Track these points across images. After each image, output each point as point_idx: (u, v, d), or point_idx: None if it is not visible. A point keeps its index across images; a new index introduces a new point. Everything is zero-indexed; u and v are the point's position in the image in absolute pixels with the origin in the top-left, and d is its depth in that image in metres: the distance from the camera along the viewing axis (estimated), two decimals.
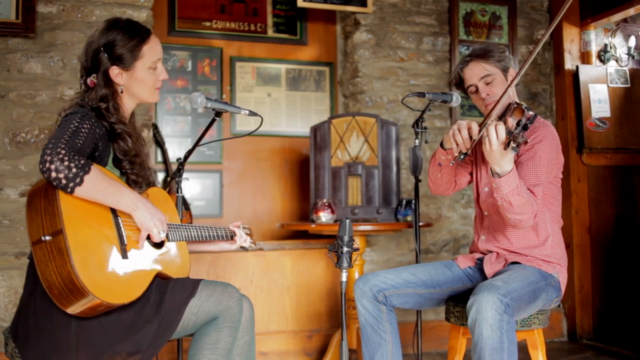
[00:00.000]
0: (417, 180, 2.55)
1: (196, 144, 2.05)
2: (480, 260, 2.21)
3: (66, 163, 1.43)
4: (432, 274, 2.18)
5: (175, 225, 1.82)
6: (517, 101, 1.93)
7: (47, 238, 1.45)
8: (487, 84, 2.14)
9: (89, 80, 1.73)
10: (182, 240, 1.83)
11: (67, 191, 1.46)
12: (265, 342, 3.26)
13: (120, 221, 1.60)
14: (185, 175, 2.12)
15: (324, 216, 2.97)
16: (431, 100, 2.31)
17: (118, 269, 1.54)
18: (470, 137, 1.88)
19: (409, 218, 3.07)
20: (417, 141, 2.46)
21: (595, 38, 3.91)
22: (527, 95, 3.94)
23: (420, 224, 2.87)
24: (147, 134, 3.17)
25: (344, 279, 1.67)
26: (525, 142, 1.74)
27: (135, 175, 1.73)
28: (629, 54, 3.94)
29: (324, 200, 3.01)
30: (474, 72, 2.16)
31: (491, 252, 2.17)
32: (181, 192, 2.10)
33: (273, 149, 3.95)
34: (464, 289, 2.19)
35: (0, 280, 2.83)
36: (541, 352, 2.08)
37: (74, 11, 2.99)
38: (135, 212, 1.57)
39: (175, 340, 2.05)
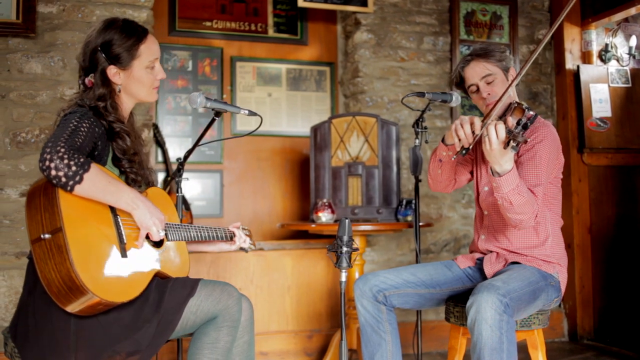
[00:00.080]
0: (418, 180, 2.55)
1: (196, 144, 2.05)
2: (480, 260, 2.20)
3: (66, 161, 1.44)
4: (432, 274, 2.18)
5: (175, 225, 1.82)
6: (518, 101, 1.93)
7: (47, 236, 1.46)
8: (488, 83, 2.14)
9: (87, 80, 1.73)
10: (182, 240, 1.83)
11: (67, 189, 1.46)
12: (265, 342, 3.26)
13: (119, 220, 1.61)
14: (185, 175, 2.12)
15: (324, 216, 2.97)
16: (431, 100, 2.30)
17: (117, 268, 1.54)
18: (473, 133, 1.88)
19: (409, 218, 3.07)
20: (417, 141, 2.46)
21: (596, 38, 3.91)
22: (528, 95, 3.94)
23: (421, 223, 2.87)
24: (147, 134, 3.17)
25: (343, 279, 1.67)
26: (525, 142, 1.74)
27: (135, 174, 1.74)
28: (630, 53, 3.93)
29: (324, 200, 3.01)
30: (475, 72, 2.15)
31: (491, 252, 2.17)
32: (181, 192, 2.11)
33: (274, 149, 3.95)
34: (464, 289, 2.19)
35: (0, 280, 2.83)
36: (541, 352, 2.08)
37: (74, 11, 2.99)
38: (134, 210, 1.57)
39: (175, 340, 2.05)
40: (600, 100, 3.85)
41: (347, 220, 1.66)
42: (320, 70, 4.02)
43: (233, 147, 3.87)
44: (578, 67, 3.86)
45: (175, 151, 3.72)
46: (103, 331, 1.54)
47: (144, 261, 1.64)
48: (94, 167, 1.49)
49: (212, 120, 1.97)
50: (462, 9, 3.83)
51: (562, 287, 2.09)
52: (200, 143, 2.08)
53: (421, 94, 2.30)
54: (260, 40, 3.96)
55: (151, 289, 1.62)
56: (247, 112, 1.95)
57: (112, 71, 1.72)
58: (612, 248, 3.81)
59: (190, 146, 2.07)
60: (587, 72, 3.85)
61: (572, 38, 3.90)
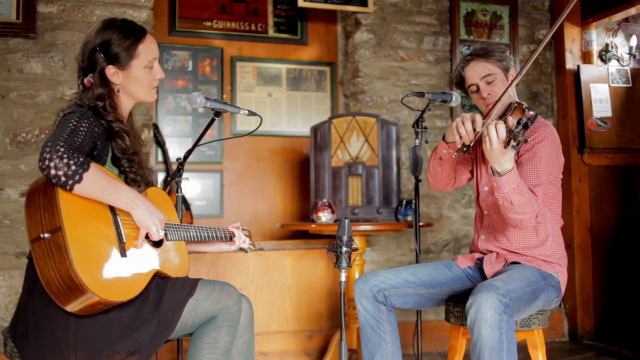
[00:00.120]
0: (418, 180, 2.55)
1: (196, 144, 2.05)
2: (480, 260, 2.20)
3: (65, 160, 1.44)
4: (432, 274, 2.18)
5: (174, 225, 1.82)
6: (518, 101, 1.93)
7: (46, 235, 1.46)
8: (489, 83, 2.13)
9: (85, 80, 1.73)
10: (181, 240, 1.83)
11: (66, 188, 1.46)
12: (265, 342, 3.26)
13: (119, 219, 1.61)
14: (185, 175, 2.13)
15: (324, 216, 2.97)
16: (430, 100, 2.30)
17: (117, 267, 1.54)
18: (474, 130, 1.88)
19: (409, 218, 3.07)
20: (417, 141, 2.46)
21: (597, 37, 3.91)
22: (528, 95, 3.94)
23: (421, 223, 2.87)
24: (147, 134, 3.17)
25: (342, 279, 1.67)
26: (526, 141, 1.74)
27: (134, 174, 1.74)
28: (630, 53, 3.93)
29: (324, 200, 3.01)
30: (476, 72, 2.15)
31: (491, 251, 2.16)
32: (181, 192, 2.11)
33: (274, 149, 3.95)
34: (464, 289, 2.19)
35: (1, 280, 2.83)
36: (541, 352, 2.08)
37: (74, 11, 2.99)
38: (134, 210, 1.57)
39: (175, 340, 2.05)
40: (600, 100, 3.85)
41: (346, 220, 1.66)
42: (321, 70, 4.02)
43: (233, 147, 3.87)
44: (578, 67, 3.86)
45: (176, 151, 3.72)
46: (103, 330, 1.54)
47: (143, 261, 1.64)
48: (94, 167, 1.49)
49: (212, 120, 1.97)
50: (462, 9, 3.82)
51: (562, 287, 2.09)
52: (200, 143, 2.08)
53: (421, 94, 2.30)
54: (261, 40, 3.96)
55: (151, 289, 1.62)
56: (246, 112, 1.96)
57: (110, 71, 1.72)
58: (613, 248, 3.81)
59: (190, 146, 2.07)
60: (588, 72, 3.85)
61: (572, 38, 3.90)
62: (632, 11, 3.57)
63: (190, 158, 2.15)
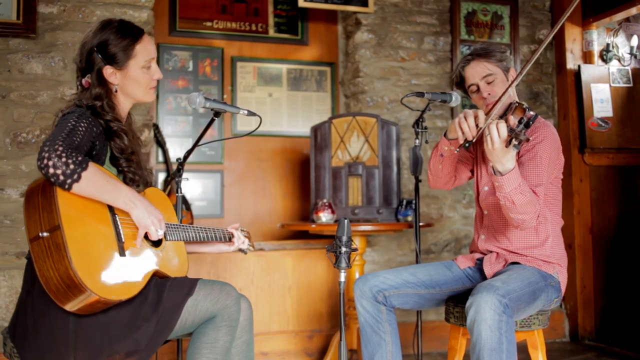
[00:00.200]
0: (418, 180, 2.54)
1: (195, 144, 2.05)
2: (480, 260, 2.20)
3: (64, 159, 1.44)
4: (431, 274, 2.18)
5: (173, 225, 1.82)
6: (518, 101, 1.93)
7: (45, 234, 1.46)
8: (489, 83, 2.13)
9: (84, 81, 1.74)
10: (180, 240, 1.83)
11: (65, 187, 1.47)
12: (266, 342, 3.26)
13: (117, 219, 1.61)
14: (186, 175, 2.13)
15: (325, 216, 2.97)
16: (430, 100, 2.30)
17: (115, 266, 1.54)
18: (477, 126, 1.88)
19: (410, 218, 3.07)
20: (417, 141, 2.46)
21: (598, 37, 3.90)
22: (529, 95, 3.93)
23: (421, 224, 2.87)
24: (148, 134, 3.17)
25: (342, 279, 1.67)
26: (527, 140, 1.73)
27: (132, 174, 1.74)
28: (631, 53, 3.92)
29: (325, 201, 3.00)
30: (476, 71, 2.15)
31: (491, 252, 2.16)
32: (181, 192, 2.11)
33: (274, 149, 3.95)
34: (464, 289, 2.18)
35: (1, 280, 2.84)
36: (541, 352, 2.07)
37: (74, 11, 2.99)
38: (132, 209, 1.58)
39: (175, 340, 2.05)
40: (601, 100, 3.84)
41: (345, 221, 1.66)
42: (321, 71, 4.02)
43: (233, 147, 3.87)
44: (579, 67, 3.85)
45: (176, 151, 3.72)
46: (102, 330, 1.54)
47: (142, 260, 1.64)
48: (92, 166, 1.49)
49: (212, 121, 1.97)
50: (463, 9, 3.82)
51: (562, 288, 2.09)
52: (200, 143, 2.08)
53: (420, 94, 2.30)
54: (261, 40, 3.96)
55: (150, 288, 1.62)
56: (246, 112, 1.96)
57: (108, 71, 1.73)
58: (613, 248, 3.80)
59: (190, 146, 2.07)
60: (588, 72, 3.84)
61: (573, 38, 3.89)
62: (633, 11, 3.56)
63: (191, 158, 2.15)
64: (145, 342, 1.57)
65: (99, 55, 1.71)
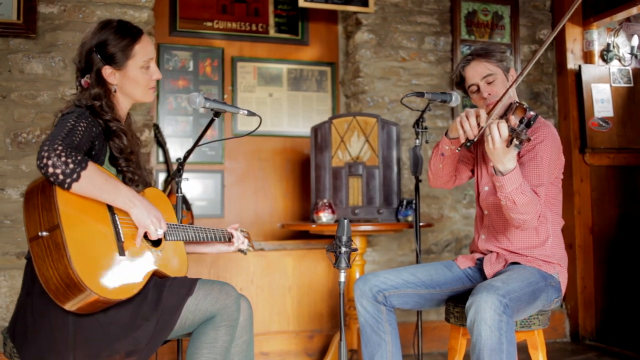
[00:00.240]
0: (418, 180, 2.54)
1: (195, 144, 2.05)
2: (480, 260, 2.20)
3: (63, 159, 1.44)
4: (432, 275, 2.17)
5: (173, 225, 1.82)
6: (518, 101, 1.93)
7: (44, 233, 1.46)
8: (489, 83, 2.13)
9: (83, 81, 1.75)
10: (179, 240, 1.83)
11: (64, 187, 1.47)
12: (266, 342, 3.26)
13: (117, 218, 1.61)
14: (186, 175, 2.13)
15: (325, 216, 2.97)
16: (430, 100, 2.30)
17: (115, 266, 1.54)
18: (478, 125, 1.88)
19: (410, 218, 3.07)
20: (417, 141, 2.46)
21: (598, 37, 3.90)
22: (530, 95, 3.93)
23: (422, 224, 2.87)
24: (148, 134, 3.17)
25: (342, 279, 1.67)
26: (529, 140, 1.73)
27: (132, 174, 1.74)
28: (632, 53, 3.92)
29: (325, 201, 3.00)
30: (476, 72, 2.15)
31: (491, 252, 2.16)
32: (181, 192, 2.11)
33: (274, 149, 3.95)
34: (464, 289, 2.18)
35: (1, 280, 2.84)
36: (541, 352, 2.07)
37: (75, 12, 2.99)
38: (132, 209, 1.58)
39: (175, 340, 2.05)
40: (602, 100, 3.84)
41: (345, 221, 1.66)
42: (321, 71, 4.02)
43: (234, 147, 3.87)
44: (580, 67, 3.85)
45: (177, 151, 3.72)
46: (102, 330, 1.54)
47: (141, 260, 1.64)
48: (91, 166, 1.49)
49: (212, 121, 1.97)
50: (463, 9, 3.82)
51: (563, 288, 2.09)
52: (200, 143, 2.08)
53: (420, 94, 2.30)
54: (261, 40, 3.96)
55: (149, 288, 1.62)
56: (246, 112, 1.96)
57: (107, 71, 1.73)
58: (614, 248, 3.80)
59: (191, 146, 2.07)
60: (589, 72, 3.84)
61: (573, 38, 3.89)
62: (634, 11, 3.56)
63: (191, 158, 2.15)
64: (145, 341, 1.57)
65: (98, 56, 1.71)
